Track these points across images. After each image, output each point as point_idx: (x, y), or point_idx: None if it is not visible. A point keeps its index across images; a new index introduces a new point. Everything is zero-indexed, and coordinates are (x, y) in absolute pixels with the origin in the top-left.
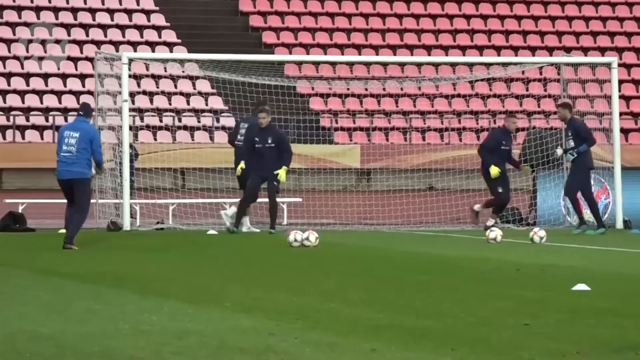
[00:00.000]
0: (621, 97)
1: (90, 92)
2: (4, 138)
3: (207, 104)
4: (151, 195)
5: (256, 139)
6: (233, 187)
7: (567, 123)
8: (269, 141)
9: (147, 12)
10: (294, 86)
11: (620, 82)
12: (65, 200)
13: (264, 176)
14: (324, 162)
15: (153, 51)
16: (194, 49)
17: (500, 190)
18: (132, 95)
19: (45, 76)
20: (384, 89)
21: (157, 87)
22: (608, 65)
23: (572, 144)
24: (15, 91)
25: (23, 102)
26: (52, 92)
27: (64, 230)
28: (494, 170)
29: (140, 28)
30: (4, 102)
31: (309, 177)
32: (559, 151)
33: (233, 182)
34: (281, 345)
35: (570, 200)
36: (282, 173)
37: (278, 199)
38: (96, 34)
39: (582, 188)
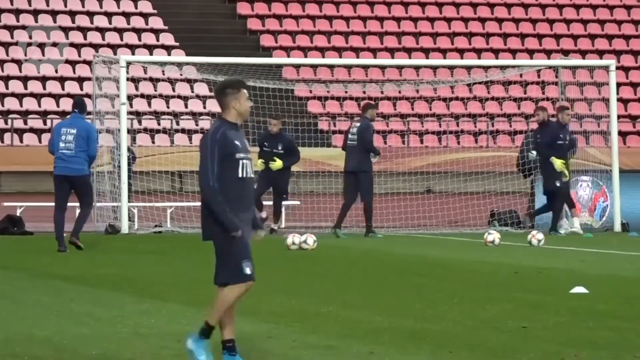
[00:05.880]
0: (619, 99)
1: (88, 95)
2: (2, 141)
3: (205, 107)
4: (149, 199)
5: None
6: None
7: None
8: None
9: (145, 15)
10: (291, 89)
11: (618, 84)
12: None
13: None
14: (322, 165)
15: (151, 54)
16: (192, 52)
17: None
18: (130, 98)
19: (43, 79)
20: (381, 92)
21: (155, 90)
22: (606, 68)
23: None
24: (13, 94)
25: (21, 106)
26: (50, 95)
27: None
28: (276, 164)
29: (138, 31)
30: (2, 105)
31: (307, 180)
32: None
33: None
34: (279, 349)
35: None
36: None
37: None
38: (94, 37)
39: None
